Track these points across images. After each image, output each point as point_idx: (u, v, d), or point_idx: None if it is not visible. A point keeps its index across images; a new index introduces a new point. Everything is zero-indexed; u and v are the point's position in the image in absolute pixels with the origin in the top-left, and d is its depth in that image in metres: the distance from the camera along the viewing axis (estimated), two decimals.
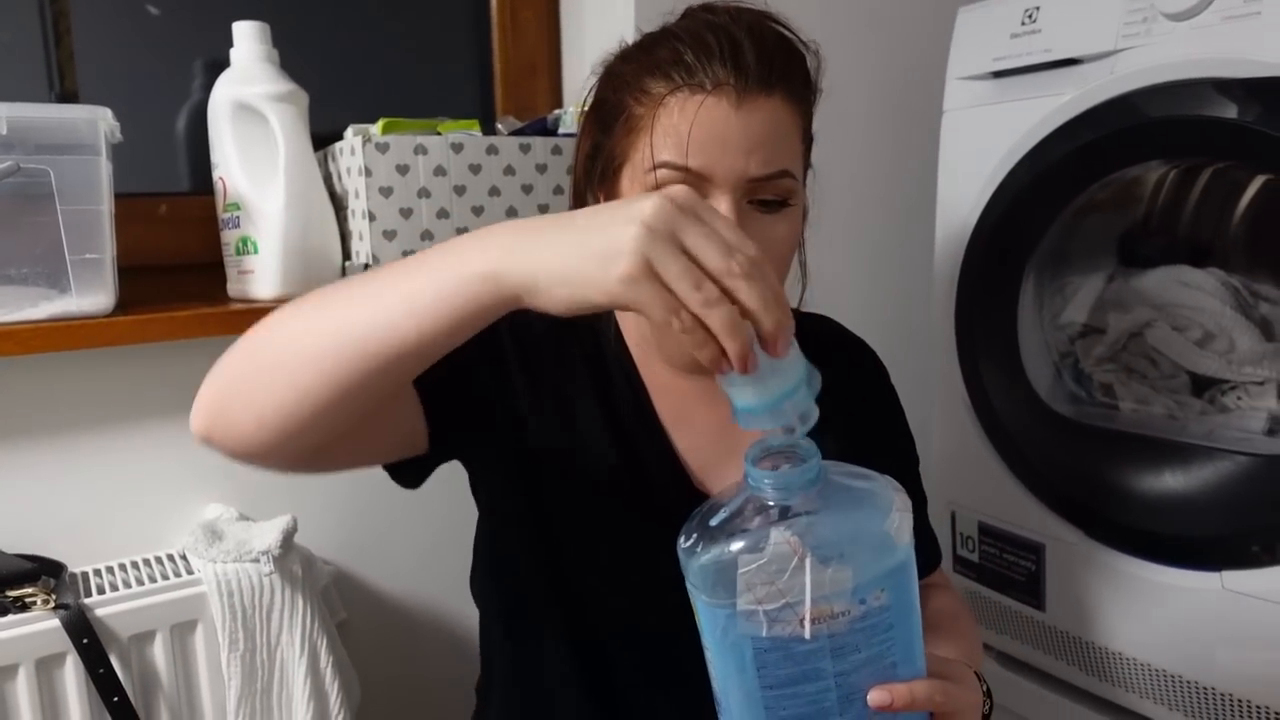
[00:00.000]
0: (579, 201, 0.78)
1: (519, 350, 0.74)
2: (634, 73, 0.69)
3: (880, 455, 0.78)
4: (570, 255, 0.49)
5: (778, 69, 0.66)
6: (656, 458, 0.76)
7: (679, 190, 0.50)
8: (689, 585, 0.53)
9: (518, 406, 0.73)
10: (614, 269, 0.47)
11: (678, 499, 0.71)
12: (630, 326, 0.80)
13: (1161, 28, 0.93)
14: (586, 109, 0.76)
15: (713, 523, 0.52)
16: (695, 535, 0.52)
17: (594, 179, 0.74)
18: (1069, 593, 1.08)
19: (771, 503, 0.51)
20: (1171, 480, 0.97)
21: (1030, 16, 1.06)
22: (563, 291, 0.49)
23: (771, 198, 0.67)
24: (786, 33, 0.71)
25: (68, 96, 1.12)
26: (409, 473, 0.71)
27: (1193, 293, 1.09)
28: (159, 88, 1.19)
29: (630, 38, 1.15)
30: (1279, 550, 0.87)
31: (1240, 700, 0.93)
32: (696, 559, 0.51)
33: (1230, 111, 0.87)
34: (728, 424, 0.76)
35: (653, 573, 0.67)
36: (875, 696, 0.53)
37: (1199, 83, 0.90)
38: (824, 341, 0.85)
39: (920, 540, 0.69)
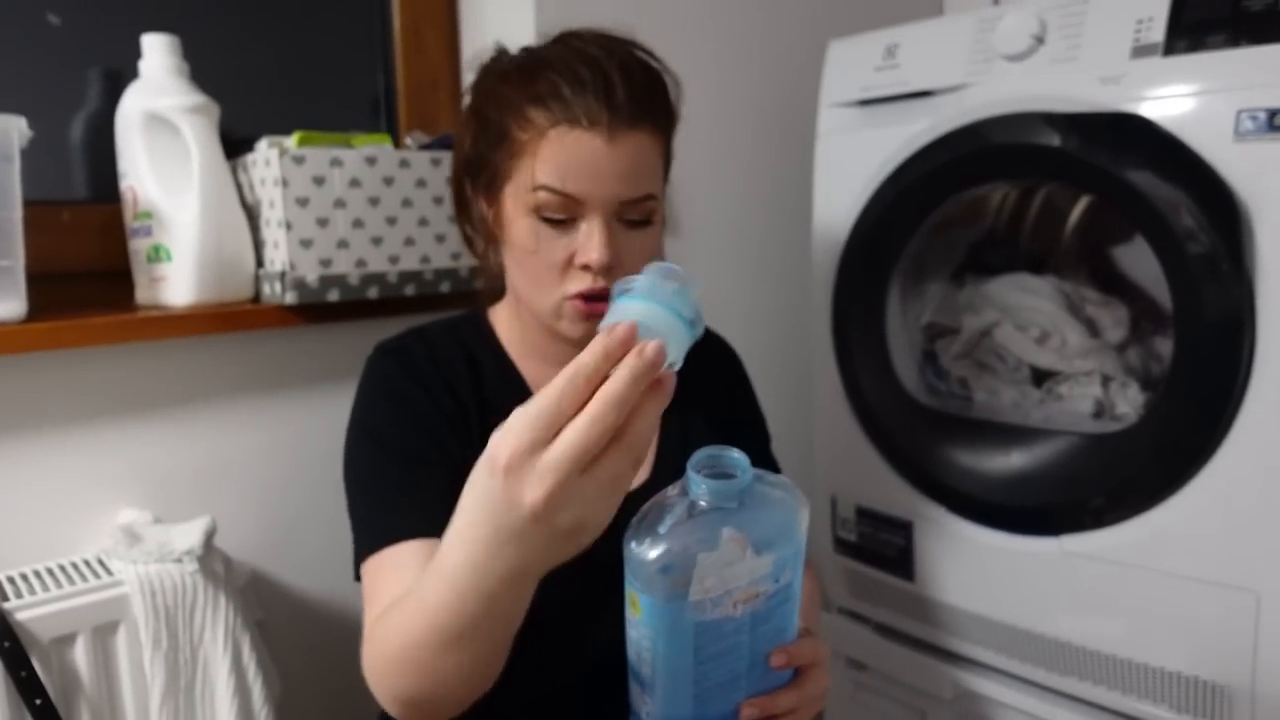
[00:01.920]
0: (460, 197, 0.87)
1: (425, 388, 0.82)
2: (515, 99, 0.78)
3: (740, 430, 0.95)
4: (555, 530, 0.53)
5: (644, 104, 0.76)
6: None
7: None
8: (634, 585, 0.59)
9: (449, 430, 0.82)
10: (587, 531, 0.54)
11: None
12: (505, 330, 0.89)
13: (1000, 67, 1.07)
14: (466, 111, 0.85)
15: (662, 529, 0.58)
16: (647, 539, 0.58)
17: (478, 185, 0.84)
18: (935, 564, 1.21)
19: (714, 507, 0.58)
20: (1017, 459, 1.11)
21: (891, 53, 1.19)
22: (568, 550, 0.55)
23: (638, 217, 0.78)
24: (652, 64, 0.81)
25: None
26: None
27: (1032, 297, 1.25)
28: (56, 96, 1.18)
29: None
30: (1106, 516, 1.02)
31: (1077, 648, 1.07)
32: (651, 561, 0.57)
33: (1055, 140, 1.02)
34: None
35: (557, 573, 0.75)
36: (777, 659, 0.63)
37: (1031, 115, 1.04)
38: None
39: None
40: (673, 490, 0.60)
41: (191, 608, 0.93)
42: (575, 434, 0.49)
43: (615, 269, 0.77)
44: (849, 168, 1.24)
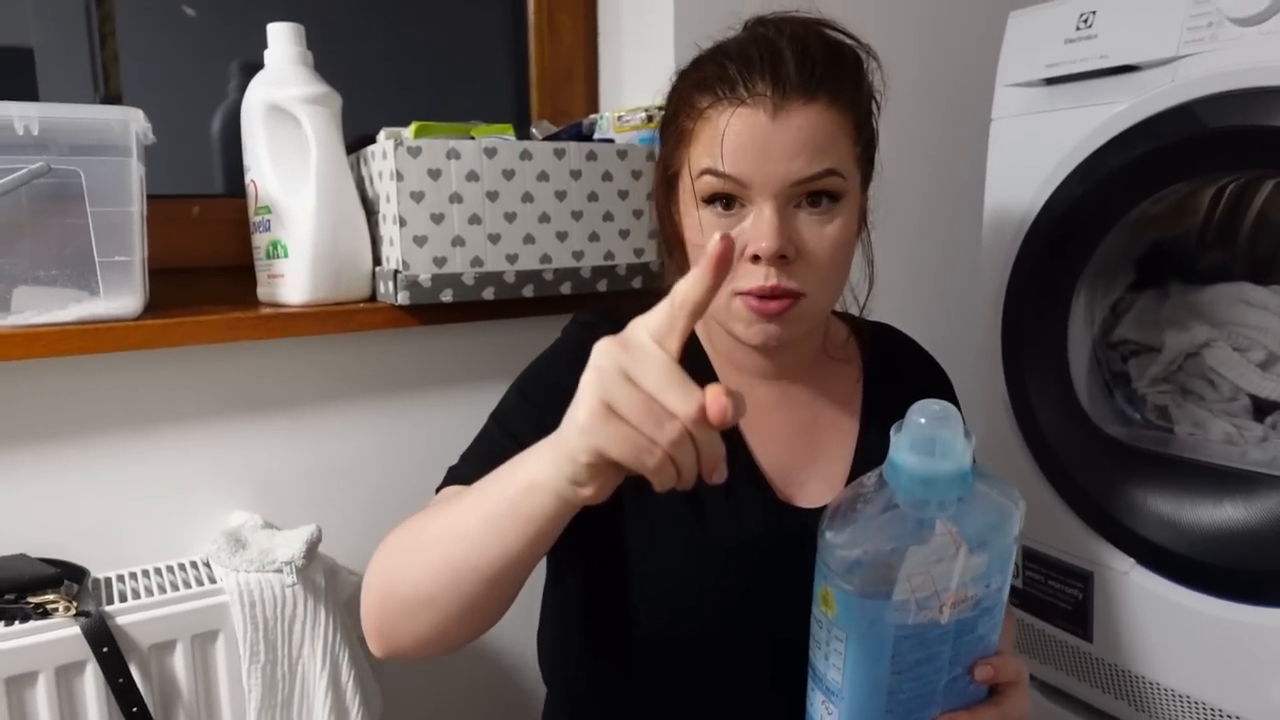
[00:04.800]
0: (658, 207, 0.82)
1: None
2: (686, 88, 0.74)
3: None
4: (562, 432, 0.51)
5: (819, 75, 0.68)
6: (741, 471, 0.76)
7: (630, 330, 0.50)
8: (829, 579, 0.54)
9: None
10: (577, 419, 0.48)
11: (763, 511, 0.75)
12: (708, 337, 0.82)
13: (1228, 33, 0.89)
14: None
15: (865, 518, 0.53)
16: (848, 529, 0.52)
17: (665, 189, 0.79)
18: (1118, 624, 1.03)
19: (921, 499, 0.51)
20: (1232, 510, 0.92)
21: (1086, 21, 1.02)
22: (567, 469, 0.50)
23: (819, 199, 0.69)
24: (836, 36, 0.73)
25: (112, 98, 1.12)
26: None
27: (1256, 312, 1.04)
28: (197, 89, 1.18)
29: (668, 42, 1.13)
30: None
31: None
32: (852, 553, 0.52)
33: None
34: (803, 427, 0.80)
35: (742, 588, 0.72)
36: (982, 671, 0.59)
37: (1267, 91, 0.85)
38: (891, 353, 0.87)
39: None
40: (873, 477, 0.54)
41: (290, 621, 0.90)
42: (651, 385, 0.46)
43: (793, 261, 0.68)
44: (1029, 156, 1.08)
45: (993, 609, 0.57)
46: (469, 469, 0.73)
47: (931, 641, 0.55)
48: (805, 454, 0.79)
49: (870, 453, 0.80)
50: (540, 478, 0.52)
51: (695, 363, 0.80)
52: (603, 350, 0.48)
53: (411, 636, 0.62)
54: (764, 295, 0.68)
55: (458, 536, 0.58)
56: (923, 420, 0.51)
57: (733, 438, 0.77)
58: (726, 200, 0.70)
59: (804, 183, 0.68)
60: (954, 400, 0.88)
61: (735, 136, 0.67)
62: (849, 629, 0.54)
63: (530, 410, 0.77)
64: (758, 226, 0.68)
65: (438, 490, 0.75)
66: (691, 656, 0.74)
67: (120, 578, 0.91)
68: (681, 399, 0.46)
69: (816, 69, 0.68)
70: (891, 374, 0.84)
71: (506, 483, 0.55)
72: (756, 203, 0.68)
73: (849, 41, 0.74)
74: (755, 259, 0.68)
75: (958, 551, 0.52)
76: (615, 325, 0.76)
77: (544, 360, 0.82)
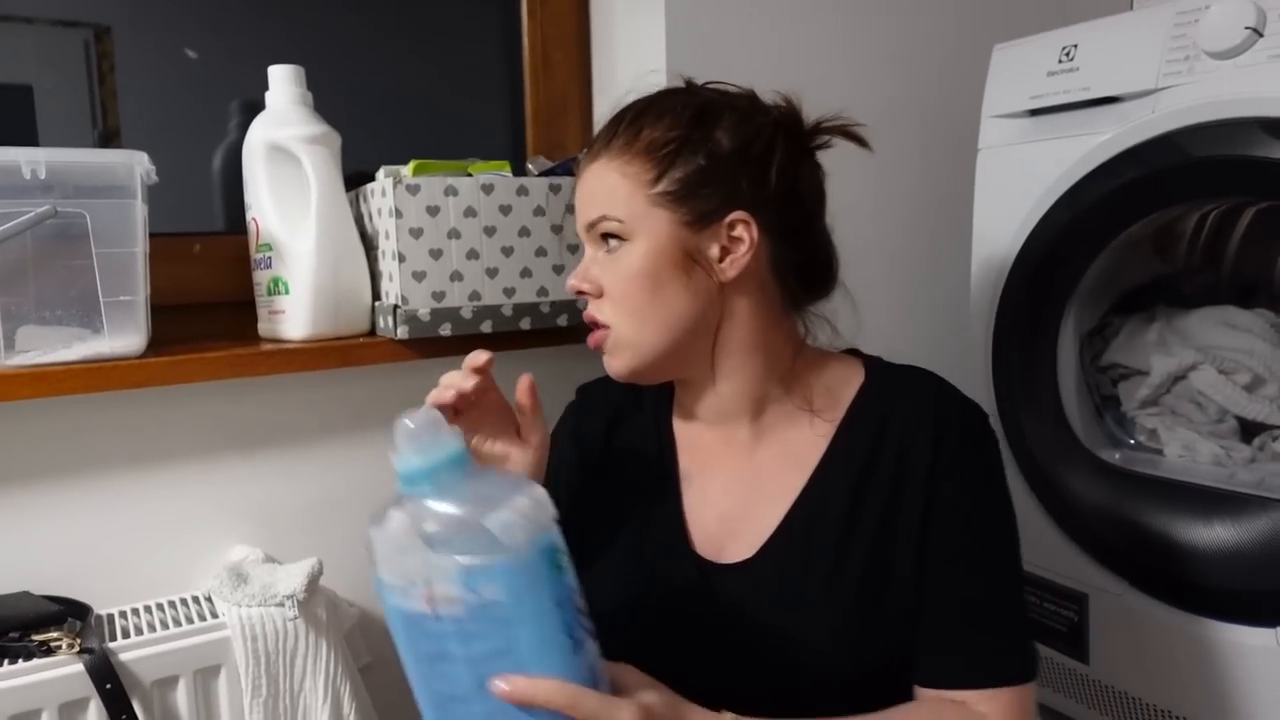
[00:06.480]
0: None
1: (580, 424, 0.89)
2: None
3: (941, 536, 0.73)
4: None
5: (608, 135, 0.78)
6: (663, 521, 0.79)
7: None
8: None
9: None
10: None
11: (674, 560, 0.78)
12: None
13: (1204, 66, 0.91)
14: None
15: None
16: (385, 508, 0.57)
17: None
18: (1114, 646, 1.04)
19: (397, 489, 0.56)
20: (1222, 531, 0.93)
21: (1068, 54, 1.04)
22: None
23: (606, 233, 0.77)
24: (673, 98, 0.78)
25: (110, 134, 1.14)
26: None
27: (1240, 335, 1.06)
28: (197, 128, 1.20)
29: (662, 76, 1.15)
30: None
31: None
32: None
33: (1277, 151, 0.85)
34: (745, 475, 0.80)
35: (649, 637, 0.71)
36: (495, 685, 0.56)
37: (1245, 122, 0.88)
38: (893, 404, 0.77)
39: (973, 648, 0.71)
40: None
41: (292, 654, 0.90)
42: None
43: (598, 296, 0.77)
44: (1015, 185, 1.10)
45: (504, 625, 0.56)
46: None
47: (436, 637, 0.56)
48: (744, 501, 0.78)
49: (811, 506, 0.75)
50: None
51: (658, 409, 0.85)
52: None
53: None
54: (589, 327, 0.78)
55: None
56: (405, 416, 0.57)
57: (668, 485, 0.81)
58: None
59: (588, 227, 0.77)
60: (985, 462, 0.76)
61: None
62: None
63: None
64: None
65: None
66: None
67: (123, 614, 0.92)
68: None
69: (614, 129, 0.77)
70: (876, 424, 0.76)
71: None
72: None
73: (699, 100, 0.77)
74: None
75: (413, 545, 0.54)
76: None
77: None
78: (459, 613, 0.55)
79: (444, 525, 0.55)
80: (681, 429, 0.84)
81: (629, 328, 0.76)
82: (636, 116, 0.77)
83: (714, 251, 0.75)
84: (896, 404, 0.77)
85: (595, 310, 0.77)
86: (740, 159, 0.74)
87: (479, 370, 0.71)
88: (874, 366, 0.82)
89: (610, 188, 0.76)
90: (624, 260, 0.75)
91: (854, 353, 0.84)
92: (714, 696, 0.65)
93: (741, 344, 0.77)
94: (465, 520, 0.55)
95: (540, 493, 0.58)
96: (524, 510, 0.56)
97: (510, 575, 0.55)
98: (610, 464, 0.85)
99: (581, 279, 0.78)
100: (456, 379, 0.71)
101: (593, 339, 0.78)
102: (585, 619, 0.59)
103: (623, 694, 0.60)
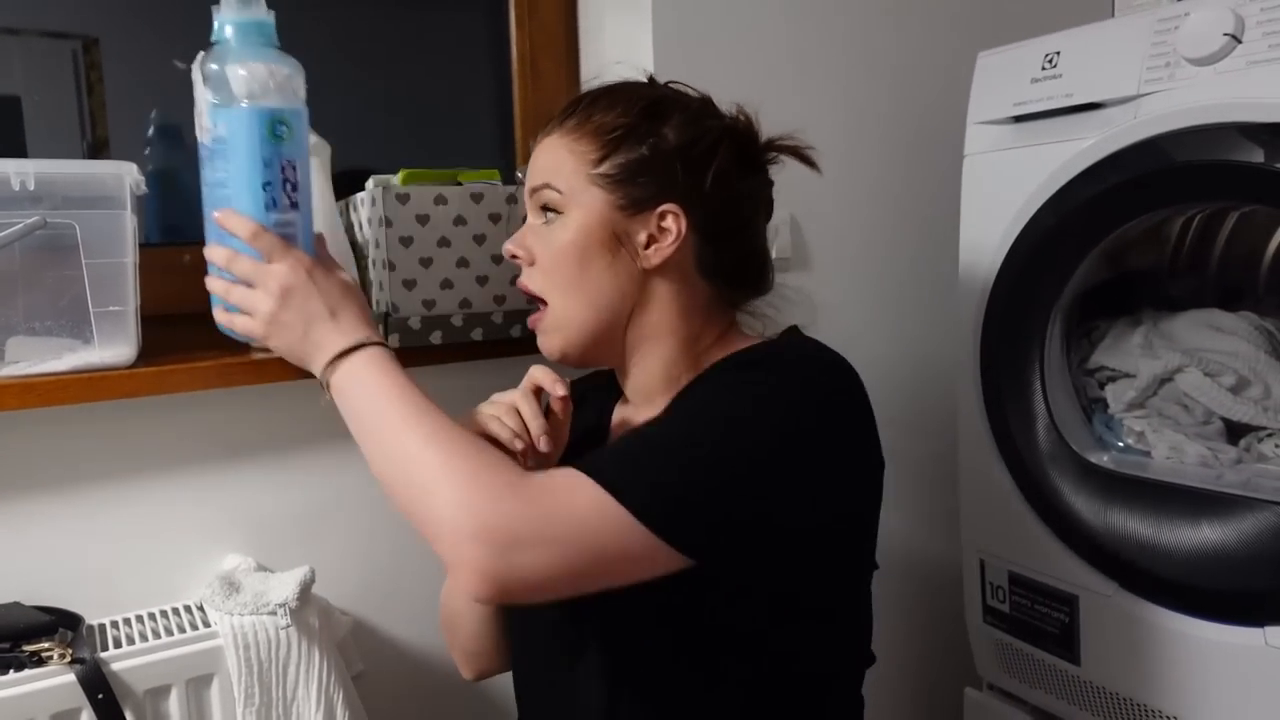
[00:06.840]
0: None
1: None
2: None
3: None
4: None
5: (566, 114, 0.82)
6: None
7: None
8: None
9: None
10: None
11: None
12: None
13: (1185, 72, 0.92)
14: None
15: None
16: None
17: None
18: (1105, 647, 1.05)
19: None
20: (1209, 531, 0.94)
21: (1051, 61, 1.05)
22: None
23: (544, 205, 0.81)
24: (635, 90, 0.83)
25: (99, 144, 1.14)
26: None
27: (1225, 337, 1.07)
28: (186, 137, 1.20)
29: (628, 68, 1.16)
30: None
31: None
32: None
33: (1257, 156, 0.86)
34: None
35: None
36: (216, 213, 0.75)
37: (1224, 127, 0.89)
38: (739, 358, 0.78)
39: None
40: None
41: (285, 663, 0.90)
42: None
43: (522, 260, 0.82)
44: (1000, 191, 1.11)
45: (220, 156, 0.74)
46: None
47: (204, 162, 0.76)
48: None
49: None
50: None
51: (610, 395, 0.91)
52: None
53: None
54: (528, 303, 0.83)
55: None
56: None
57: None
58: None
59: (530, 193, 0.82)
60: (725, 390, 0.74)
61: None
62: None
63: None
64: None
65: None
66: None
67: (115, 624, 0.92)
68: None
69: (572, 109, 0.81)
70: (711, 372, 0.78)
71: None
72: None
73: (653, 95, 0.82)
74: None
75: (198, 79, 0.73)
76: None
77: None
78: (207, 141, 0.75)
79: (212, 68, 0.73)
80: (618, 412, 0.89)
81: (557, 302, 0.80)
82: (593, 100, 0.82)
83: (641, 238, 0.79)
84: (745, 355, 0.78)
85: (526, 279, 0.82)
86: (681, 156, 0.79)
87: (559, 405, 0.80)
88: (772, 338, 0.83)
89: (558, 161, 0.81)
90: (557, 232, 0.80)
91: (791, 330, 0.84)
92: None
93: (655, 328, 0.81)
94: (221, 70, 0.72)
95: (297, 82, 0.76)
96: (268, 80, 0.73)
97: (232, 120, 0.73)
98: (569, 450, 0.84)
99: (517, 245, 0.82)
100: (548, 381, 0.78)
101: (531, 319, 0.83)
102: (294, 194, 0.76)
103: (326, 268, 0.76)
